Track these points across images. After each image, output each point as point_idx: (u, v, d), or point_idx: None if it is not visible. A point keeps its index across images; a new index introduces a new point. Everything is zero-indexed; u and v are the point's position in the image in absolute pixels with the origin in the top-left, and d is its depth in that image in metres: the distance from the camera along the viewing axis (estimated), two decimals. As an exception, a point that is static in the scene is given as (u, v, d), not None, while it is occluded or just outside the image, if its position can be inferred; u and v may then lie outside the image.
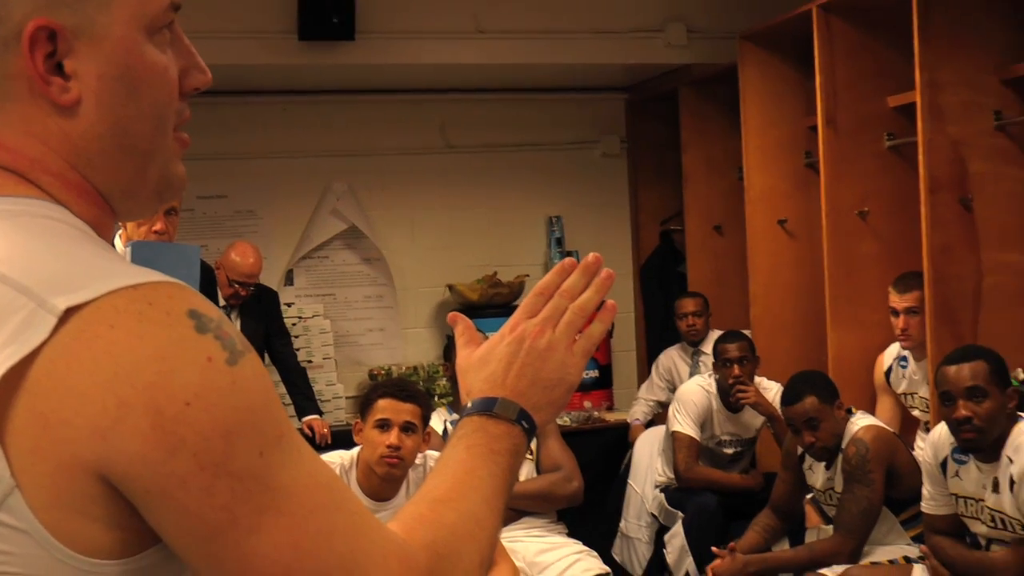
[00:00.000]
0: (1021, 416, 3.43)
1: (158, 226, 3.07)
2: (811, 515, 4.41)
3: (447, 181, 6.55)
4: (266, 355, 5.50)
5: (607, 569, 3.96)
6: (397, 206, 6.47)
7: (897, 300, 4.58)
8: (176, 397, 0.80)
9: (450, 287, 6.38)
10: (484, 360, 1.16)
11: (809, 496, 4.32)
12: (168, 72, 0.96)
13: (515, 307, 5.57)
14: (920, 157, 4.44)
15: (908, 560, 3.77)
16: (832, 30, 4.94)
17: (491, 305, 6.20)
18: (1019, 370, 4.19)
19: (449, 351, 5.28)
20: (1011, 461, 3.33)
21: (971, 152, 4.47)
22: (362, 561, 0.88)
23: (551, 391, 1.14)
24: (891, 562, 3.81)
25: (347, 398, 6.06)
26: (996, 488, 3.38)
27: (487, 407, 1.11)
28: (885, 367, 4.85)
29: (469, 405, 1.12)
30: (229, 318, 5.11)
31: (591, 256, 1.22)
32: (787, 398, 4.02)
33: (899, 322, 4.56)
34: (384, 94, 6.44)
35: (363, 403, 3.44)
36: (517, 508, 4.11)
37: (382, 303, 6.49)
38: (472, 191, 6.60)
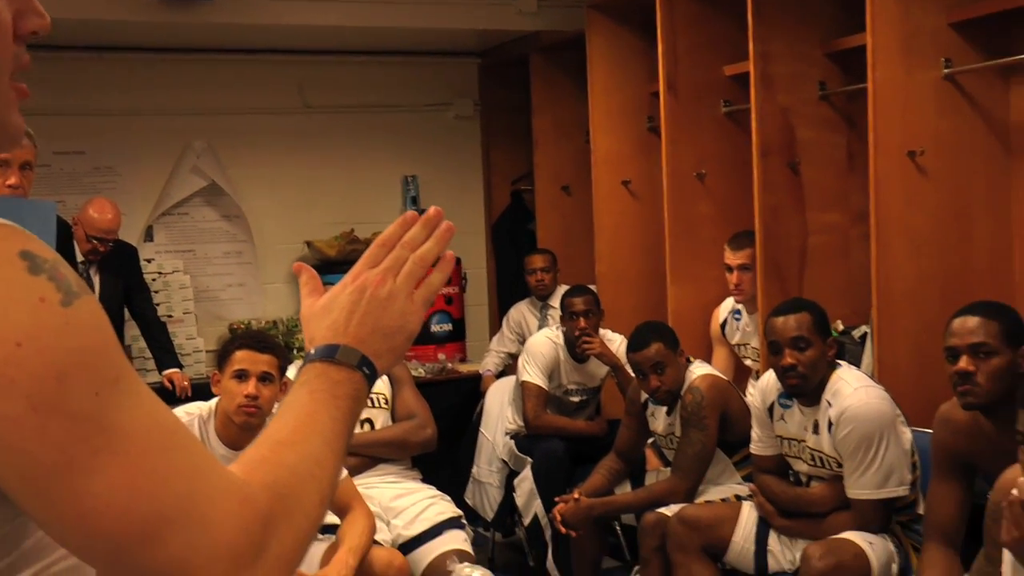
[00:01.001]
0: (839, 364, 3.54)
1: (11, 180, 2.93)
2: (651, 458, 4.51)
3: (306, 140, 6.49)
4: (126, 310, 5.42)
5: (459, 512, 3.98)
6: (256, 164, 6.39)
7: (731, 257, 4.70)
8: (6, 338, 0.77)
9: (308, 243, 6.35)
10: (327, 309, 1.14)
11: (650, 441, 4.40)
12: None
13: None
14: (753, 123, 4.55)
15: (739, 498, 3.85)
16: (673, 2, 5.01)
17: (348, 261, 6.14)
18: (839, 321, 4.35)
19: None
20: (830, 405, 3.43)
21: (798, 119, 4.61)
22: (200, 502, 0.85)
23: (391, 338, 1.13)
24: (723, 500, 3.88)
25: (207, 352, 5.98)
26: (816, 430, 3.48)
27: (329, 354, 1.09)
28: (720, 320, 4.97)
29: (312, 352, 1.11)
30: (88, 274, 5.04)
31: (432, 209, 1.22)
32: (634, 345, 4.06)
33: (733, 278, 4.70)
34: (244, 54, 6.33)
35: (221, 355, 3.41)
36: (372, 455, 4.12)
37: (242, 259, 6.42)
38: (330, 151, 6.55)
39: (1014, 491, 2.18)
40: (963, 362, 2.90)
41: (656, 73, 5.10)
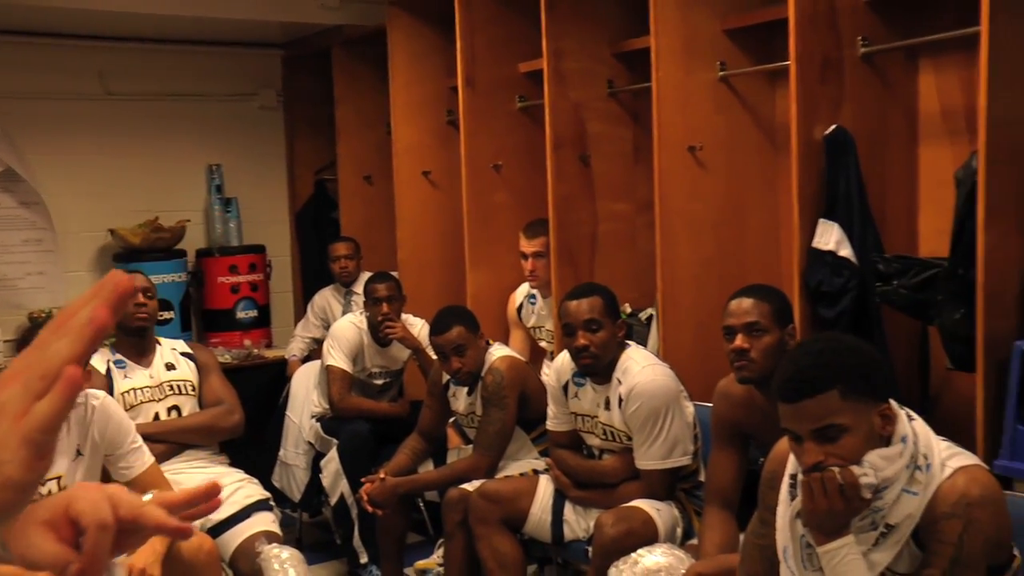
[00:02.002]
0: (628, 344, 3.64)
1: None
2: (453, 437, 4.53)
3: (108, 128, 6.23)
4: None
5: (267, 495, 3.93)
6: (57, 151, 6.08)
7: (526, 245, 4.76)
8: None
9: (112, 231, 6.11)
10: None
11: (452, 420, 4.42)
12: None
13: (178, 251, 5.41)
14: (546, 118, 4.61)
15: (536, 472, 3.90)
16: (471, 1, 5.02)
17: (153, 249, 6.01)
18: (627, 304, 4.46)
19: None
20: (620, 382, 3.51)
21: (589, 114, 4.71)
22: None
23: None
24: (522, 475, 3.93)
25: (5, 342, 5.71)
26: (607, 406, 3.56)
27: None
28: (517, 304, 5.03)
29: None
30: None
31: (124, 280, 0.89)
32: (436, 328, 4.07)
33: (528, 265, 4.76)
34: (43, 37, 5.98)
35: (20, 344, 3.28)
36: (180, 442, 4.02)
37: (41, 247, 6.11)
38: (133, 138, 6.30)
39: (793, 466, 2.27)
40: (739, 340, 3.02)
41: (455, 68, 5.11)
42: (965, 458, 2.26)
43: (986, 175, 3.14)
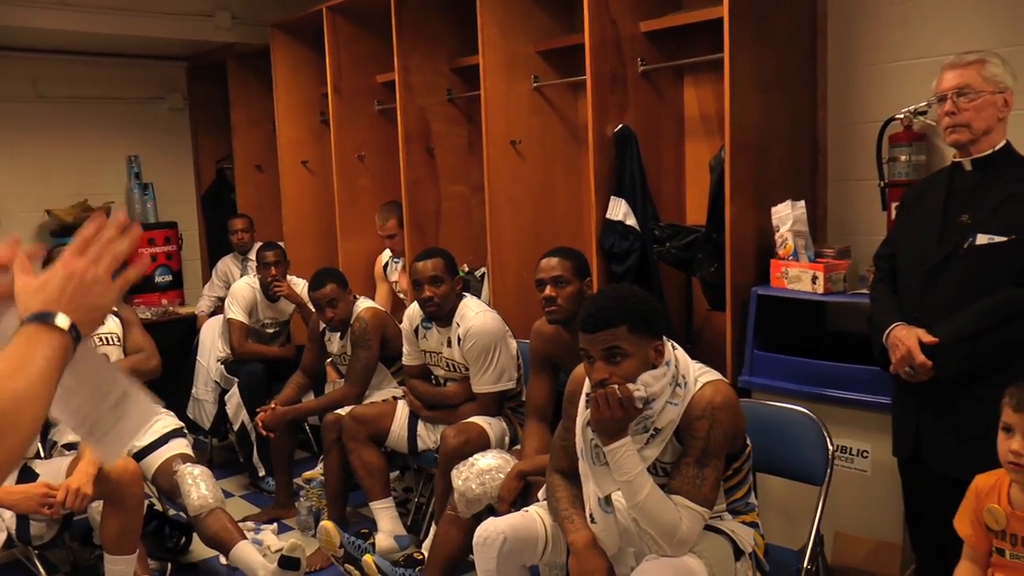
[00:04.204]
0: (465, 295, 3.63)
1: None
2: (330, 373, 4.50)
3: (42, 125, 5.93)
4: None
5: (181, 424, 3.82)
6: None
7: (380, 225, 4.79)
8: None
9: (48, 212, 5.83)
10: (42, 287, 1.15)
11: (328, 360, 4.40)
12: None
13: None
14: (399, 118, 4.60)
15: (395, 398, 3.90)
16: (337, 24, 4.96)
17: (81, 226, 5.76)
18: (465, 264, 4.50)
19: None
20: (459, 325, 3.52)
21: (432, 116, 4.70)
22: None
23: (92, 312, 1.16)
24: (384, 401, 3.91)
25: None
26: (449, 344, 3.57)
27: (46, 318, 1.11)
28: (383, 263, 5.02)
29: (28, 316, 1.12)
30: None
31: (121, 215, 1.25)
32: (314, 285, 4.00)
33: (386, 242, 4.81)
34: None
35: None
36: (107, 383, 3.89)
37: (-14, 225, 5.83)
38: (65, 134, 6.01)
39: (588, 386, 2.32)
40: (548, 290, 3.05)
41: (325, 79, 5.03)
42: (712, 375, 2.35)
43: (731, 163, 3.26)
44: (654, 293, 3.57)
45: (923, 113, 3.24)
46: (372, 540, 3.57)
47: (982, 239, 2.39)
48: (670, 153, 3.91)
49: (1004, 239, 2.36)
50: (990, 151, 2.46)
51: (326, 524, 3.42)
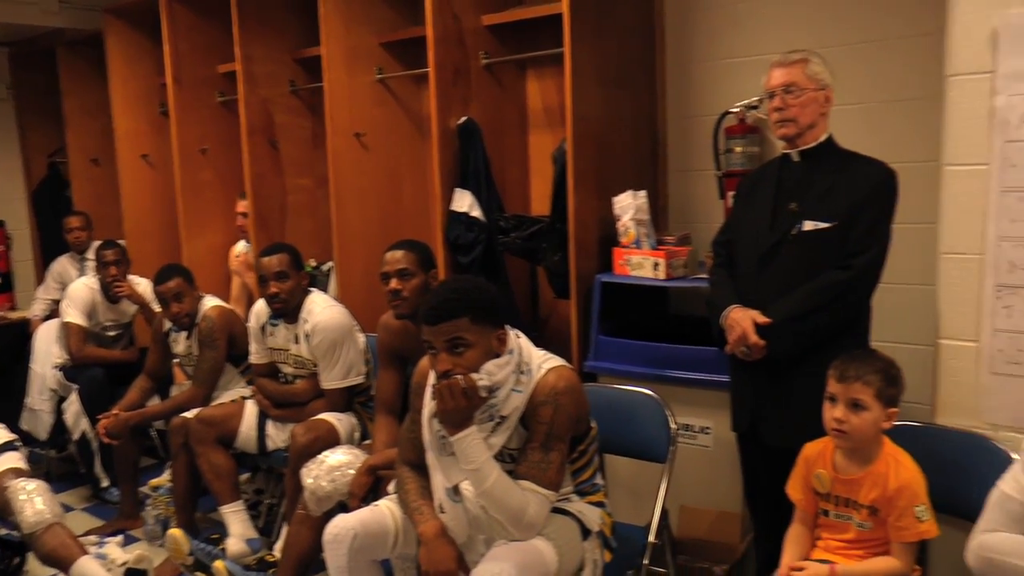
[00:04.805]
0: (312, 290, 3.59)
1: None
2: (178, 374, 4.36)
3: None
4: None
5: (14, 436, 3.62)
6: None
7: (242, 205, 4.68)
8: None
9: None
10: None
11: (176, 360, 4.28)
12: None
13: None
14: (241, 110, 4.51)
15: (244, 398, 3.81)
16: (175, 11, 4.81)
17: None
18: (312, 259, 4.46)
19: None
20: (306, 321, 3.48)
21: (275, 108, 4.62)
22: None
23: None
24: (232, 401, 3.82)
25: None
26: (297, 340, 3.54)
27: None
28: (236, 253, 4.93)
29: None
30: None
31: None
32: (159, 279, 3.88)
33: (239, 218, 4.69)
34: None
35: None
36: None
37: None
38: None
39: (431, 377, 2.34)
40: (393, 283, 3.04)
41: (163, 68, 4.87)
42: (555, 361, 2.41)
43: (573, 154, 3.34)
44: (500, 283, 3.62)
45: (755, 107, 3.41)
46: (223, 545, 3.50)
47: (809, 225, 2.54)
48: (514, 145, 3.97)
49: (828, 225, 2.52)
50: (815, 143, 2.61)
51: (174, 532, 3.33)
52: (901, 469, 2.19)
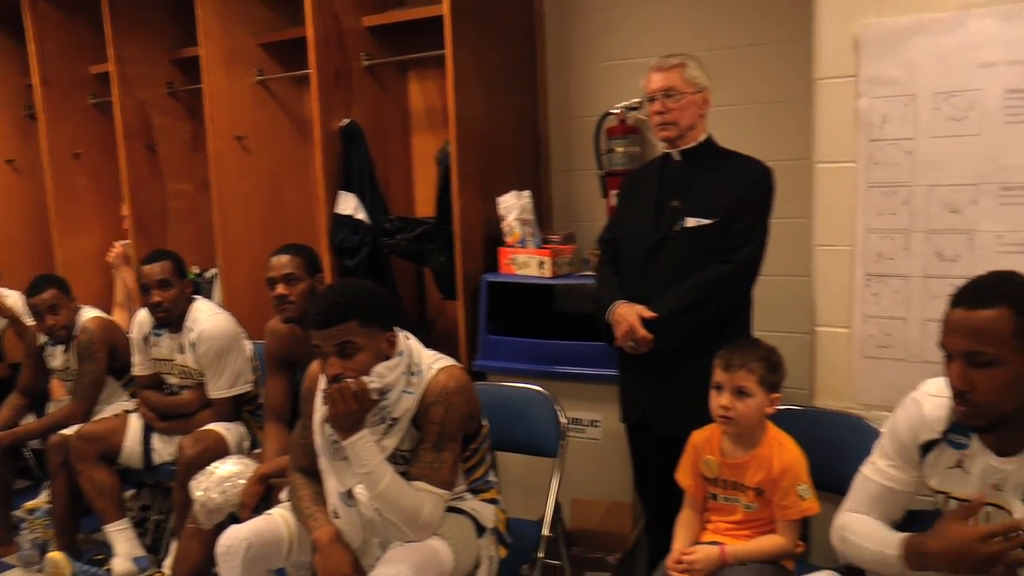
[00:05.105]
0: (196, 298, 3.50)
1: None
2: (56, 389, 4.16)
3: None
4: None
5: None
6: None
7: (126, 208, 4.53)
8: None
9: None
10: None
11: (53, 376, 4.09)
12: None
13: None
14: (116, 113, 4.37)
15: (127, 412, 3.69)
16: (40, 10, 4.61)
17: None
18: (195, 266, 4.36)
19: None
20: (191, 330, 3.41)
21: (152, 110, 4.49)
22: None
23: None
24: (115, 416, 3.68)
25: None
26: (182, 350, 3.44)
27: None
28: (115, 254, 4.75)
29: None
30: None
31: None
32: (32, 291, 3.70)
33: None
34: None
35: None
36: None
37: None
38: None
39: (324, 383, 2.31)
40: (279, 288, 2.97)
41: (29, 68, 4.67)
42: (445, 361, 2.42)
43: (457, 156, 3.36)
44: (387, 286, 3.61)
45: (636, 108, 3.50)
46: (108, 566, 3.40)
47: (691, 222, 2.63)
48: (397, 147, 3.97)
49: (709, 222, 2.61)
50: (695, 143, 2.70)
51: (54, 555, 3.20)
52: (784, 451, 2.29)
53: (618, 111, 3.55)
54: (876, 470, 2.05)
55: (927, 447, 1.96)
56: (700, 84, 2.68)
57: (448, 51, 3.29)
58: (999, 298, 1.72)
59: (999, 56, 2.37)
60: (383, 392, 2.28)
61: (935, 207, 2.50)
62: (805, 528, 2.36)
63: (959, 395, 1.79)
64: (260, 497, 2.92)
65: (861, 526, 2.04)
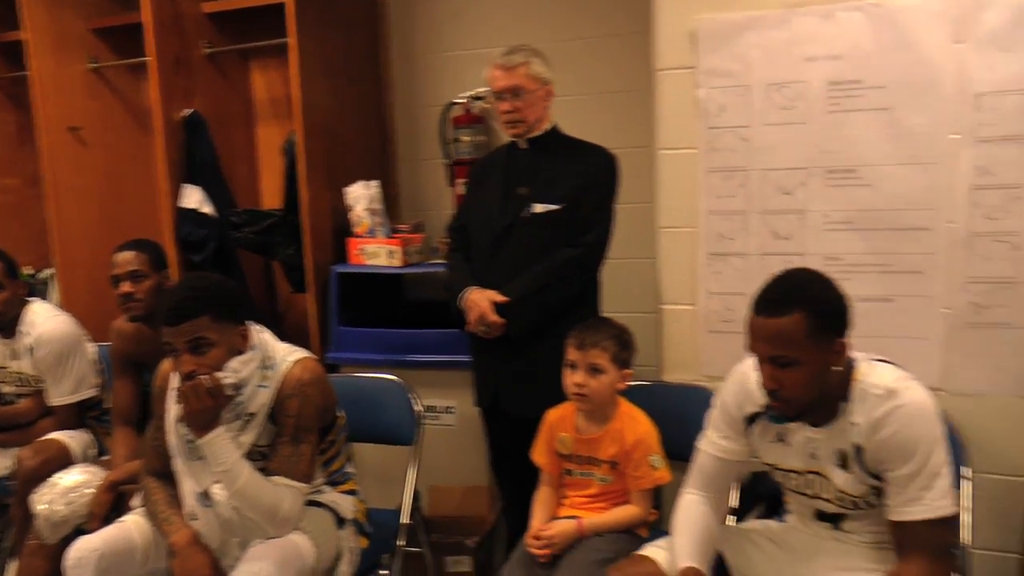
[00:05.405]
0: (31, 300, 3.31)
1: None
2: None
3: None
4: None
5: None
6: None
7: None
8: None
9: None
10: None
11: None
12: None
13: None
14: None
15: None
16: None
17: None
18: (29, 267, 4.14)
19: None
20: (27, 334, 3.20)
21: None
22: None
23: None
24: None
25: None
26: (15, 356, 3.25)
27: None
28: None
29: None
30: None
31: None
32: None
33: None
34: None
35: None
36: None
37: None
38: None
39: (176, 381, 2.26)
40: (124, 286, 2.87)
41: None
42: (300, 353, 2.39)
43: (303, 147, 3.32)
44: (235, 279, 3.54)
45: (480, 99, 3.54)
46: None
47: (538, 208, 2.69)
48: (241, 138, 3.88)
49: (557, 207, 2.68)
50: (541, 132, 2.77)
51: None
52: (636, 424, 2.39)
53: (463, 100, 3.58)
54: (709, 442, 2.16)
55: (751, 419, 2.09)
56: (545, 78, 2.75)
57: (292, 40, 3.24)
58: (792, 304, 1.85)
59: (820, 51, 2.54)
60: (238, 387, 2.24)
61: (769, 189, 2.65)
62: (658, 496, 2.47)
63: (771, 393, 1.92)
64: (110, 505, 2.81)
65: (680, 521, 2.12)
